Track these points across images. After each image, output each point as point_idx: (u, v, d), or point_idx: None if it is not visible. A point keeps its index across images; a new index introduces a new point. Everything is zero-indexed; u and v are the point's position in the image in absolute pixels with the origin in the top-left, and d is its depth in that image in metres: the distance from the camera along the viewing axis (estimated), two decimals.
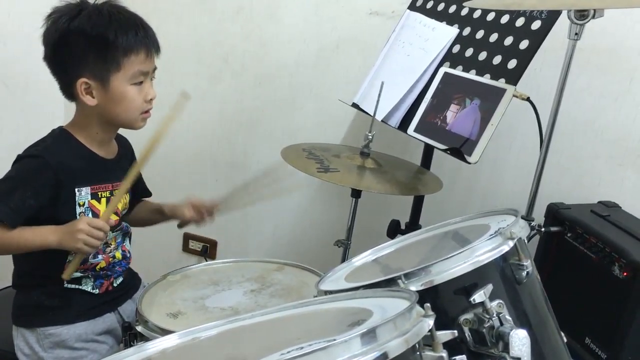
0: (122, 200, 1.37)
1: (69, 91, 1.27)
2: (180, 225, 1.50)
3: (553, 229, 1.61)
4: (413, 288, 0.90)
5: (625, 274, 1.41)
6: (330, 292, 0.98)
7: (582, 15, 1.30)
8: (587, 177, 1.83)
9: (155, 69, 1.31)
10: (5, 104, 2.03)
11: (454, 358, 0.82)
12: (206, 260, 2.23)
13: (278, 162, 1.39)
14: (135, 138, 1.50)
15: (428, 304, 0.74)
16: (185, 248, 2.33)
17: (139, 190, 1.50)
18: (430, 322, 0.71)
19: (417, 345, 0.69)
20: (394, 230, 1.76)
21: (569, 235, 1.59)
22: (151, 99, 1.29)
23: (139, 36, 1.23)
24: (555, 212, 1.64)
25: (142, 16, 1.29)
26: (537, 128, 1.51)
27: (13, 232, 1.21)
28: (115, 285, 1.38)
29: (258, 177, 1.43)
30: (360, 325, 0.73)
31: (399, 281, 0.92)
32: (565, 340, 1.10)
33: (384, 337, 0.66)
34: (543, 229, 1.53)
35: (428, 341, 0.72)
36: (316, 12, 1.98)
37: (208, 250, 2.31)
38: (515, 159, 1.91)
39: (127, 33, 1.21)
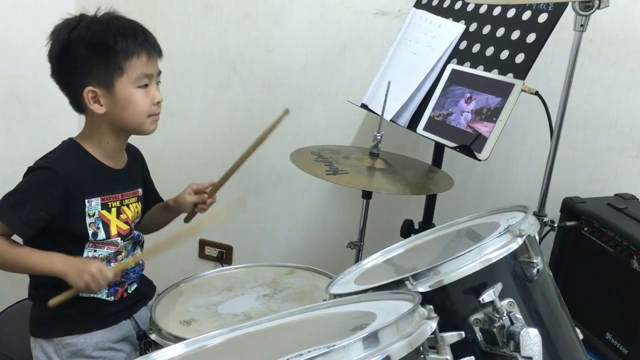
0: (134, 209, 1.38)
1: (77, 103, 1.29)
2: (186, 219, 1.50)
3: (569, 223, 1.59)
4: (422, 289, 0.89)
5: None
6: (340, 296, 0.97)
7: (586, 6, 1.28)
8: (602, 170, 1.80)
9: (159, 72, 1.32)
10: (20, 119, 2.06)
11: None
12: (222, 266, 2.24)
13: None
14: (148, 146, 1.52)
15: (431, 306, 0.73)
16: (202, 254, 2.35)
17: (151, 198, 1.52)
18: (433, 325, 0.70)
19: (421, 348, 0.68)
20: (408, 230, 1.75)
21: (585, 229, 1.57)
22: (159, 102, 1.30)
23: (138, 40, 1.25)
24: (571, 207, 1.61)
25: (150, 26, 1.31)
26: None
27: (22, 249, 1.23)
28: (129, 292, 1.39)
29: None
30: (363, 329, 0.72)
31: (407, 282, 0.91)
32: (581, 336, 1.08)
33: (386, 340, 0.65)
34: (556, 225, 1.50)
35: (433, 343, 0.72)
36: (322, 15, 1.98)
37: (224, 255, 2.32)
38: (528, 154, 1.89)
39: (126, 37, 1.24)
